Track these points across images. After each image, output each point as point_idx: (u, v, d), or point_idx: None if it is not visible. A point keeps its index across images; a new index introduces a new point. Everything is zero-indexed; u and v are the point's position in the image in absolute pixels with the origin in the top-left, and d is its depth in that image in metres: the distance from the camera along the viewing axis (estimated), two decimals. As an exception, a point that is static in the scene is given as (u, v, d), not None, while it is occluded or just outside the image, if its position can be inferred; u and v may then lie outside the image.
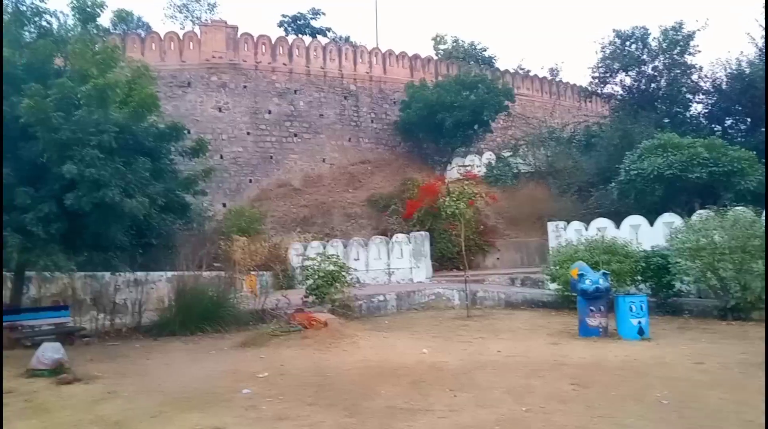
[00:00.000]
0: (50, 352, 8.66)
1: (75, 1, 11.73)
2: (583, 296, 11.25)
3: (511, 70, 41.32)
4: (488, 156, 32.50)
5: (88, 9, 11.85)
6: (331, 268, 14.75)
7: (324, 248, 22.21)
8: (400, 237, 23.65)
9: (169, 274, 16.22)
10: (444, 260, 24.29)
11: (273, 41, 33.67)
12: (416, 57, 37.87)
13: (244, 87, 32.24)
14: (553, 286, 15.58)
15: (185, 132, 13.49)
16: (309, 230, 27.76)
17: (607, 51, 28.66)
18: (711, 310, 13.18)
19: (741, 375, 7.65)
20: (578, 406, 6.39)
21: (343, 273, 15.01)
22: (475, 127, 32.82)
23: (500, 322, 13.64)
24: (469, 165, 31.92)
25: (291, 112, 32.96)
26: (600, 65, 29.21)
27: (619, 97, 29.97)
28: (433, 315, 15.55)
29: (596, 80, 30.02)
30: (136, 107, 11.28)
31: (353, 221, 29.29)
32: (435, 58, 40.63)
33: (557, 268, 14.70)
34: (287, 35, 37.54)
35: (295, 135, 32.80)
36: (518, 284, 19.70)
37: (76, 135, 9.98)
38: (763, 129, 23.00)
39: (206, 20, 36.70)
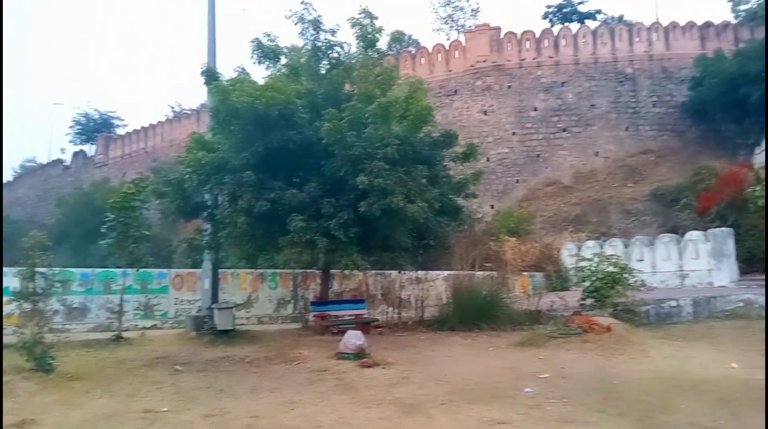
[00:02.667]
0: (354, 338, 9.96)
1: (359, 31, 13.37)
2: None
3: None
4: (814, 132, 26.17)
5: (369, 36, 13.40)
6: (611, 269, 13.74)
7: (601, 248, 21.01)
8: (694, 235, 20.96)
9: (445, 273, 17.24)
10: (753, 261, 20.67)
11: (537, 35, 33.11)
12: (708, 25, 32.96)
13: (509, 87, 32.41)
14: None
15: (456, 139, 14.16)
16: (582, 229, 26.53)
17: None
18: None
19: None
20: None
21: (625, 275, 13.84)
22: (795, 97, 26.89)
23: (843, 338, 10.83)
24: (786, 146, 26.27)
25: (558, 106, 31.91)
26: None
27: None
28: (742, 325, 13.22)
29: None
30: (413, 120, 12.35)
31: (634, 218, 26.91)
32: (733, 22, 34.70)
33: None
34: (552, 26, 36.49)
35: (564, 130, 31.60)
36: None
37: (366, 150, 11.40)
38: None
39: (470, 27, 38.02)
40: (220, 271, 14.14)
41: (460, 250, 15.24)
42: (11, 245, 25.09)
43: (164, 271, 15.23)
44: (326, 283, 15.19)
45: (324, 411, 6.46)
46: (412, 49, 37.62)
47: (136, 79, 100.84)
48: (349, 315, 14.16)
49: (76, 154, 52.45)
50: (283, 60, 13.77)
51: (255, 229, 12.18)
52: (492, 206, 30.16)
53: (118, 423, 5.98)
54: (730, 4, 38.49)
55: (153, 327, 13.94)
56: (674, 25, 32.86)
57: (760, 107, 26.50)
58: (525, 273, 21.37)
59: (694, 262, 20.64)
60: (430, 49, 35.00)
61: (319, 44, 13.58)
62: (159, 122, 46.92)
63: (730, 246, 20.26)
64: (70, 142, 54.43)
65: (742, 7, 37.81)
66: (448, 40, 38.77)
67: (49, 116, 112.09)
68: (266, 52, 13.49)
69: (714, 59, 28.94)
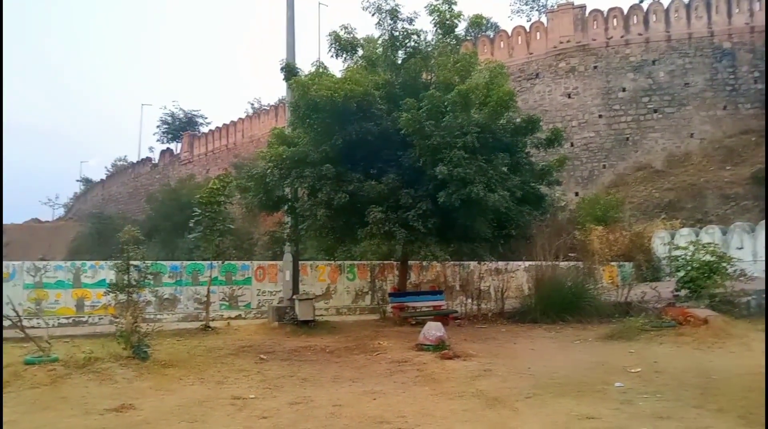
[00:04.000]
0: (434, 330, 9.91)
1: (437, 18, 13.20)
2: None
3: None
4: None
5: (447, 22, 13.19)
6: (708, 258, 12.99)
7: (697, 236, 19.94)
8: (802, 220, 19.12)
9: (527, 263, 16.85)
10: None
11: (625, 12, 31.39)
12: (818, -10, 29.80)
13: (594, 67, 30.99)
14: None
15: (539, 124, 13.69)
16: (676, 216, 25.08)
17: None
18: None
19: None
20: None
21: (724, 264, 13.01)
22: None
23: None
24: None
25: (649, 86, 30.15)
26: None
27: None
28: None
29: None
30: (494, 107, 12.07)
31: (733, 203, 25.06)
32: None
33: None
34: (641, 2, 34.41)
35: (655, 111, 29.84)
36: None
37: (445, 139, 11.26)
38: None
39: (552, 6, 36.62)
40: (300, 262, 14.51)
41: (542, 239, 14.81)
42: (106, 240, 27.08)
43: (247, 263, 15.87)
44: (404, 275, 15.24)
45: (406, 402, 6.48)
46: (491, 33, 36.73)
47: (218, 78, 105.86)
48: (428, 306, 14.15)
49: (163, 152, 55.41)
50: (360, 52, 13.84)
51: (334, 221, 12.41)
52: (577, 194, 29.03)
53: (210, 408, 6.24)
54: None
55: (237, 317, 14.57)
56: (781, -9, 30.07)
57: None
58: (613, 263, 20.53)
59: (800, 249, 18.98)
60: (509, 32, 34.06)
61: (396, 34, 13.51)
62: (239, 119, 48.67)
63: (844, 232, 18.43)
64: (158, 140, 57.82)
65: None
66: (528, 21, 37.63)
67: (139, 117, 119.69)
68: (343, 45, 13.62)
69: (827, 27, 26.27)
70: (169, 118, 55.41)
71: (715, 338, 9.72)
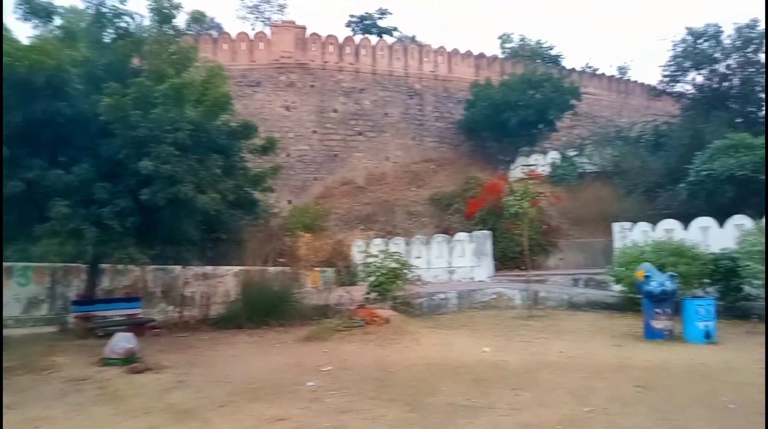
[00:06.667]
0: (123, 342, 9.00)
1: (153, 3, 12.19)
2: (648, 298, 10.91)
3: (578, 69, 40.27)
4: (553, 155, 31.61)
5: (165, 10, 12.30)
6: (393, 265, 14.70)
7: (386, 246, 22.32)
8: (461, 236, 23.41)
9: (236, 268, 16.70)
10: (506, 260, 23.81)
11: (340, 41, 34.10)
12: (482, 56, 37.38)
13: (312, 86, 32.82)
14: (618, 287, 15.07)
15: (256, 130, 13.76)
16: (372, 228, 27.91)
17: (679, 49, 27.26)
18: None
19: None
20: (642, 409, 6.18)
21: (405, 270, 14.90)
22: (540, 126, 32.17)
23: (562, 323, 13.24)
24: (533, 164, 31.12)
25: (356, 110, 33.28)
26: (671, 63, 27.85)
27: (690, 96, 28.57)
28: (494, 314, 15.26)
29: (667, 79, 28.66)
30: (210, 106, 11.64)
31: (415, 219, 29.20)
32: (501, 56, 40.10)
33: (622, 269, 14.21)
34: (354, 35, 37.89)
35: (360, 133, 33.09)
36: (581, 285, 19.00)
37: (153, 133, 10.36)
38: None
39: (276, 21, 37.61)
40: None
41: (253, 244, 14.92)
42: None
43: None
44: (93, 280, 13.45)
45: (79, 426, 5.76)
46: (214, 33, 35.84)
47: None
48: (121, 315, 12.72)
49: None
50: (58, 21, 11.89)
51: (4, 214, 10.30)
52: (290, 201, 30.14)
53: None
54: (499, 41, 44.95)
55: None
56: (456, 52, 36.53)
57: (516, 130, 31.08)
58: (317, 268, 21.79)
59: (460, 260, 22.98)
60: (233, 36, 33.74)
61: (105, 10, 12.01)
62: None
63: (489, 246, 23.05)
64: None
65: (507, 45, 44.33)
66: (253, 30, 37.83)
67: None
68: (35, 9, 11.47)
69: (484, 86, 32.95)
70: None
71: (394, 335, 10.86)
